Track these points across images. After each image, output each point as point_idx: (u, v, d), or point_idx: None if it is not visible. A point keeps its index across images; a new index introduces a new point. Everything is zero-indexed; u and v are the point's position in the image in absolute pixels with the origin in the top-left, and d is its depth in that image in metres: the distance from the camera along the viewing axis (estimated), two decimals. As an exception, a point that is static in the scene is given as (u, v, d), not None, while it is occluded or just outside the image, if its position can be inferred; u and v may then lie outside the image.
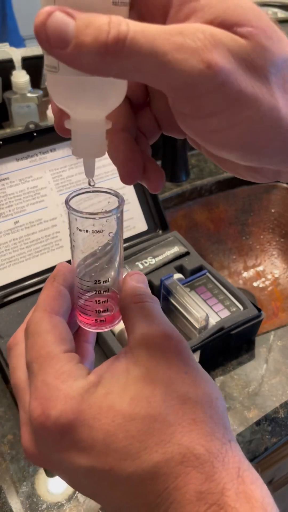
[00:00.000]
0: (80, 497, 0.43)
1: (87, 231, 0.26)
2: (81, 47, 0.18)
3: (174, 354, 0.24)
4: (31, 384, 0.25)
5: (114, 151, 0.27)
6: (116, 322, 0.29)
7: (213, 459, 0.22)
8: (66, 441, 0.23)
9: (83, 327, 0.30)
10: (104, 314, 0.29)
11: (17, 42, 0.96)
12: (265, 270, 0.90)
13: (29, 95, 0.78)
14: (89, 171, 0.26)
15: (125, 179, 0.27)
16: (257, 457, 0.48)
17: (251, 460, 0.48)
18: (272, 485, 0.65)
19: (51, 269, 0.60)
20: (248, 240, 0.92)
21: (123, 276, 0.29)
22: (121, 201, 0.27)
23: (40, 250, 0.60)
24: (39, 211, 0.60)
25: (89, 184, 0.27)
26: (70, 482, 0.25)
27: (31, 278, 0.59)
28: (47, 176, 0.61)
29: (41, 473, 0.45)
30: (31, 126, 0.59)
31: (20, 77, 0.76)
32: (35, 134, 0.59)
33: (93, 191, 0.28)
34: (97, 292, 0.28)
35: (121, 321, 0.29)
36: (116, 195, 0.27)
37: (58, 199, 0.62)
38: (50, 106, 0.66)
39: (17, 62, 0.75)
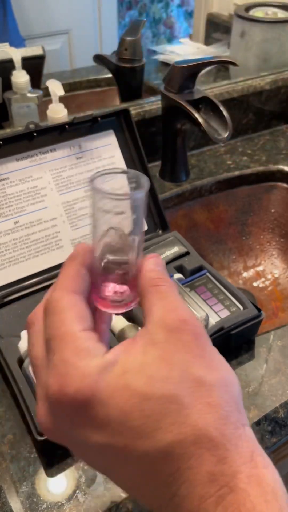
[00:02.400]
0: (80, 497, 0.43)
1: (109, 211, 0.26)
2: None
3: (191, 338, 0.25)
4: (49, 361, 0.25)
5: None
6: (133, 304, 0.29)
7: (226, 442, 0.22)
8: (82, 418, 0.24)
9: (100, 308, 0.29)
10: (122, 296, 0.29)
11: (17, 42, 0.96)
12: (265, 270, 0.90)
13: (29, 95, 0.78)
14: None
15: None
16: (257, 457, 0.48)
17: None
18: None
19: (51, 269, 0.60)
20: (248, 240, 0.92)
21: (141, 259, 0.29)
22: (147, 182, 0.26)
23: (40, 250, 0.60)
24: (39, 211, 0.60)
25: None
26: (83, 457, 0.26)
27: (31, 278, 0.59)
28: (47, 176, 0.61)
29: (41, 473, 0.45)
30: (31, 126, 0.59)
31: (20, 77, 0.76)
32: (35, 134, 0.59)
33: (118, 172, 0.27)
34: (115, 274, 0.28)
35: (137, 304, 0.29)
36: (141, 176, 0.27)
37: (58, 199, 0.62)
38: (50, 106, 0.66)
39: (17, 62, 0.75)
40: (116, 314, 0.30)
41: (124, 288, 0.29)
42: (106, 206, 0.26)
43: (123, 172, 0.27)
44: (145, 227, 0.67)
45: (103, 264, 0.28)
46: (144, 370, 0.23)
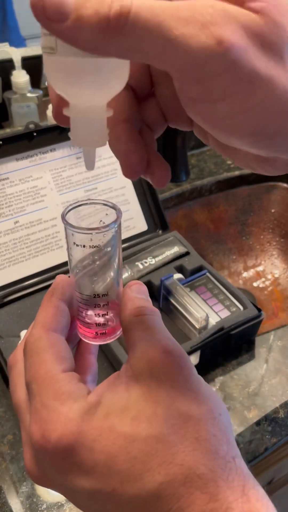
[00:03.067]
0: (80, 497, 0.43)
1: (84, 246, 0.25)
2: (81, 21, 0.17)
3: (175, 370, 0.24)
4: (31, 404, 0.24)
5: (116, 143, 0.25)
6: (118, 333, 0.29)
7: (216, 478, 0.22)
8: (68, 464, 0.23)
9: (85, 340, 0.29)
10: (105, 326, 0.28)
11: (17, 42, 0.96)
12: (265, 270, 0.90)
13: (29, 95, 0.78)
14: (89, 163, 0.25)
15: (128, 173, 0.25)
16: (257, 457, 0.48)
17: (251, 461, 0.48)
18: (272, 485, 0.65)
19: (51, 269, 0.60)
20: (248, 240, 0.92)
21: (123, 287, 0.28)
22: (119, 214, 0.26)
23: (40, 250, 0.60)
24: (39, 211, 0.60)
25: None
26: (74, 502, 0.25)
27: (31, 278, 0.59)
28: (47, 176, 0.61)
29: (41, 473, 0.45)
30: (31, 126, 0.59)
31: (20, 77, 0.76)
32: (35, 134, 0.59)
33: (90, 203, 0.27)
34: (96, 305, 0.28)
35: (121, 333, 0.28)
36: (114, 207, 0.26)
37: (58, 199, 0.62)
38: (50, 106, 0.66)
39: (17, 62, 0.75)
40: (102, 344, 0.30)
41: (107, 318, 0.28)
42: (80, 241, 0.25)
43: (95, 203, 0.27)
44: (145, 225, 0.67)
45: (83, 296, 0.27)
46: (129, 410, 0.23)
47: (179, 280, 0.59)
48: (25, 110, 0.79)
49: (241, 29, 0.17)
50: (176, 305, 0.56)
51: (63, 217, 0.25)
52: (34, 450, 0.24)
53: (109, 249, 0.26)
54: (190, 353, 0.51)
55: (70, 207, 0.26)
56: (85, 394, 0.24)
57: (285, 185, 0.91)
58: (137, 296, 0.27)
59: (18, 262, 0.59)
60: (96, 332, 0.29)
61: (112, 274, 0.27)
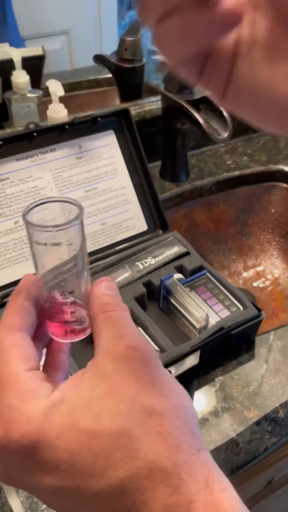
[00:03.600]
0: (80, 497, 0.43)
1: (45, 244, 0.25)
2: None
3: (139, 365, 0.24)
4: None
5: None
6: (88, 331, 0.29)
7: (179, 471, 0.22)
8: (31, 463, 0.23)
9: (55, 338, 0.29)
10: (74, 324, 0.28)
11: (17, 42, 0.96)
12: (265, 270, 0.90)
13: (29, 95, 0.78)
14: None
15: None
16: (257, 457, 0.48)
17: (251, 461, 0.48)
18: (272, 485, 0.65)
19: (51, 269, 0.60)
20: (248, 240, 0.92)
21: (91, 284, 0.28)
22: (79, 210, 0.26)
23: (40, 250, 0.60)
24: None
25: None
26: (41, 499, 0.25)
27: (31, 278, 0.59)
28: (47, 176, 0.61)
29: (41, 473, 0.45)
30: (31, 126, 0.59)
31: (20, 77, 0.76)
32: (35, 134, 0.59)
33: (52, 201, 0.27)
34: (63, 303, 0.28)
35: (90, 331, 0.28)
36: (75, 204, 0.26)
37: (58, 199, 0.62)
38: (50, 106, 0.66)
39: (17, 62, 0.75)
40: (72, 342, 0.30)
41: (75, 315, 0.28)
42: (41, 239, 0.25)
43: (57, 201, 0.27)
44: (145, 225, 0.67)
45: (51, 294, 0.27)
46: (92, 406, 0.23)
47: (179, 280, 0.59)
48: (25, 110, 0.79)
49: None
50: (176, 305, 0.56)
51: (23, 215, 0.25)
52: None
53: (72, 246, 0.26)
54: (190, 353, 0.51)
55: (32, 205, 0.26)
56: (48, 392, 0.24)
57: (285, 185, 0.91)
58: (105, 292, 0.27)
59: (18, 262, 0.59)
60: (65, 330, 0.28)
61: (78, 271, 0.27)
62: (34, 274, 0.28)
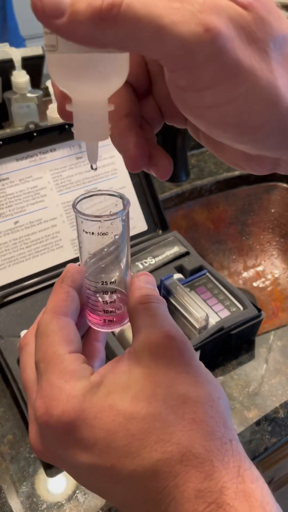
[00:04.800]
0: (80, 497, 0.43)
1: (93, 233, 0.27)
2: (76, 15, 0.18)
3: (176, 354, 0.25)
4: (37, 383, 0.26)
5: (118, 137, 0.26)
6: (125, 322, 0.30)
7: (212, 458, 0.22)
8: (69, 439, 0.24)
9: (93, 327, 0.30)
10: (112, 314, 0.29)
11: (17, 42, 0.96)
12: (265, 270, 0.90)
13: (29, 95, 0.78)
14: (92, 156, 0.26)
15: (130, 166, 0.26)
16: (257, 457, 0.48)
17: (251, 461, 0.48)
18: (272, 485, 0.65)
19: (51, 269, 0.60)
20: (248, 240, 0.92)
21: (131, 276, 0.30)
22: (127, 203, 0.27)
23: (40, 250, 0.60)
24: (39, 211, 0.60)
25: (92, 168, 0.27)
26: (75, 477, 0.26)
27: (31, 278, 0.59)
28: (47, 176, 0.61)
29: (41, 473, 0.45)
30: (31, 126, 0.59)
31: (20, 77, 0.76)
32: (35, 134, 0.59)
33: (100, 194, 0.28)
34: (104, 293, 0.29)
35: (128, 323, 0.29)
36: (122, 197, 0.28)
37: (58, 199, 0.62)
38: (50, 106, 0.66)
39: (17, 62, 0.75)
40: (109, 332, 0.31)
41: (114, 306, 0.29)
42: (90, 228, 0.27)
43: (105, 194, 0.28)
44: (145, 225, 0.67)
45: (92, 283, 0.29)
46: (129, 390, 0.24)
47: (179, 280, 0.59)
48: (25, 110, 0.79)
49: (229, 21, 0.18)
50: (176, 305, 0.56)
51: (74, 205, 0.27)
52: (38, 424, 0.25)
53: (117, 237, 0.27)
54: (190, 353, 0.51)
55: (81, 197, 0.28)
56: (88, 374, 0.25)
57: (285, 185, 0.91)
58: (144, 285, 0.29)
59: (18, 262, 0.59)
60: (104, 320, 0.30)
61: (119, 262, 0.28)
62: (79, 264, 0.30)
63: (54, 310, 0.28)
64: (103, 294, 0.29)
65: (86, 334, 0.32)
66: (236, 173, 0.89)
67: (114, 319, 0.30)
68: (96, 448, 0.23)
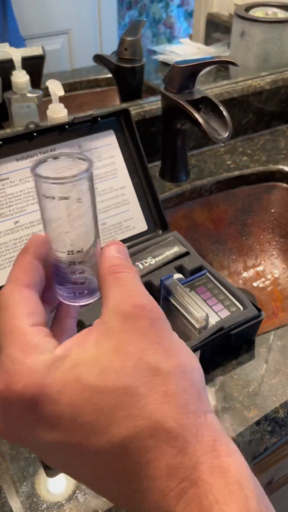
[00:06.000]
0: (80, 497, 0.43)
1: (53, 197, 0.25)
2: None
3: (147, 324, 0.23)
4: None
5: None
6: (97, 295, 0.28)
7: (185, 433, 0.21)
8: (32, 416, 0.23)
9: (63, 301, 0.28)
10: (83, 286, 0.28)
11: (17, 42, 0.96)
12: (265, 270, 0.90)
13: (29, 95, 0.78)
14: None
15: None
16: (257, 457, 0.48)
17: (251, 461, 0.48)
18: (272, 485, 0.65)
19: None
20: (248, 240, 0.92)
21: (101, 247, 0.28)
22: (89, 165, 0.25)
23: (40, 250, 0.60)
24: (39, 211, 0.60)
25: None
26: (42, 457, 0.25)
27: (31, 278, 0.59)
28: (47, 176, 0.61)
29: (41, 473, 0.45)
30: (31, 126, 0.59)
31: (20, 77, 0.76)
32: (35, 134, 0.59)
33: (61, 156, 0.26)
34: (71, 263, 0.27)
35: (99, 295, 0.27)
36: (85, 158, 0.25)
37: (58, 199, 0.62)
38: (50, 106, 0.66)
39: (17, 62, 0.75)
40: (81, 306, 0.29)
41: (85, 278, 0.27)
42: (49, 192, 0.25)
43: (65, 155, 0.26)
44: (145, 225, 0.67)
45: (59, 254, 0.27)
46: (97, 363, 0.22)
47: (179, 280, 0.59)
48: (25, 110, 0.79)
49: None
50: (176, 305, 0.56)
51: (32, 169, 0.25)
52: (0, 403, 0.24)
53: (80, 201, 0.25)
54: (190, 353, 0.51)
55: (41, 160, 0.26)
56: (52, 347, 0.24)
57: (285, 185, 0.91)
58: (115, 255, 0.27)
59: (18, 262, 0.59)
60: (74, 292, 0.28)
61: (86, 228, 0.26)
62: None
63: (16, 281, 0.26)
64: (70, 265, 0.27)
65: (56, 310, 0.30)
66: (236, 173, 0.89)
67: (85, 292, 0.28)
68: (61, 425, 0.22)
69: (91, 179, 0.25)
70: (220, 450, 0.22)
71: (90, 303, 0.29)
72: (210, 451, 0.21)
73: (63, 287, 0.28)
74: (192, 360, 0.24)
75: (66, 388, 0.22)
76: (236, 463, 0.22)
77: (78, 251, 0.26)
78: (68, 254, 0.26)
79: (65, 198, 0.25)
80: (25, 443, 0.25)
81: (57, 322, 0.30)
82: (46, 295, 0.28)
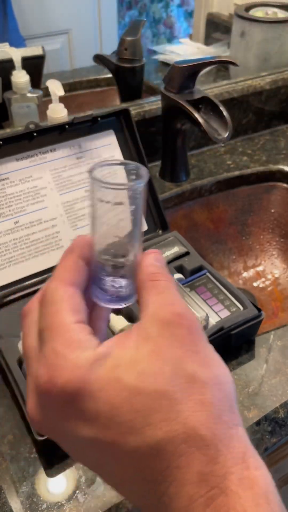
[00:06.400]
0: (80, 497, 0.43)
1: (108, 201, 0.26)
2: None
3: (186, 333, 0.24)
4: (40, 351, 0.25)
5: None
6: (133, 299, 0.29)
7: (217, 442, 0.22)
8: (71, 410, 0.23)
9: (99, 303, 0.29)
10: (120, 289, 0.28)
11: (17, 42, 0.96)
12: (265, 270, 0.90)
13: (29, 95, 0.78)
14: None
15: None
16: (257, 457, 0.48)
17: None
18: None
19: (51, 269, 0.60)
20: (248, 240, 0.92)
21: (141, 253, 0.29)
22: (146, 174, 0.26)
23: (40, 250, 0.60)
24: (39, 211, 0.60)
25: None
26: (72, 452, 0.25)
27: (31, 278, 0.59)
28: (47, 176, 0.61)
29: (41, 473, 0.45)
30: (31, 126, 0.59)
31: (20, 77, 0.76)
32: (35, 134, 0.59)
33: (119, 164, 0.27)
34: (113, 267, 0.28)
35: (135, 300, 0.28)
36: (139, 167, 0.26)
37: (58, 199, 0.62)
38: (50, 106, 0.66)
39: (17, 62, 0.75)
40: (114, 309, 0.30)
41: (123, 282, 0.28)
42: (105, 197, 0.26)
43: (123, 163, 0.27)
44: (145, 225, 0.67)
45: (102, 257, 0.27)
46: (136, 365, 0.23)
47: (179, 280, 0.59)
48: (25, 110, 0.79)
49: None
50: (176, 305, 0.56)
51: (90, 172, 0.26)
52: (39, 394, 0.24)
53: (133, 208, 0.26)
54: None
55: (98, 165, 0.26)
56: (94, 345, 0.24)
57: (285, 185, 0.91)
58: (154, 263, 0.28)
59: (18, 262, 0.59)
60: (111, 295, 0.29)
61: (132, 236, 0.27)
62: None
63: (61, 279, 0.27)
64: (112, 268, 0.28)
65: (89, 312, 0.30)
66: (236, 173, 0.89)
67: (122, 296, 0.29)
68: (98, 422, 0.22)
69: (145, 188, 0.26)
70: (249, 463, 0.22)
71: (122, 308, 0.29)
72: (240, 463, 0.22)
73: (100, 289, 0.29)
74: (226, 374, 0.25)
75: (107, 387, 0.23)
76: (263, 477, 0.22)
77: (123, 256, 0.28)
78: (112, 257, 0.27)
79: (120, 203, 0.26)
80: (60, 437, 0.25)
81: (89, 324, 0.30)
82: (84, 296, 0.29)
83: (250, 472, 0.22)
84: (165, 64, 1.12)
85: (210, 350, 0.25)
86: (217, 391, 0.23)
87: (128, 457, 0.22)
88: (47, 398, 0.24)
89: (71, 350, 0.24)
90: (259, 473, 0.22)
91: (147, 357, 0.23)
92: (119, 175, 0.27)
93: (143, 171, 0.26)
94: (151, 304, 0.25)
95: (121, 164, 0.27)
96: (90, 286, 0.29)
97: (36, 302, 0.28)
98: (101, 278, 0.28)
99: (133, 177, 0.26)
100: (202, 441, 0.22)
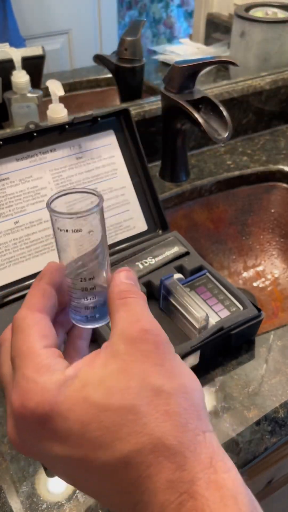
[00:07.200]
0: (80, 497, 0.43)
1: (67, 230, 0.27)
2: None
3: (151, 347, 0.25)
4: (14, 378, 0.26)
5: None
6: (107, 318, 0.30)
7: (184, 450, 0.23)
8: (44, 431, 0.24)
9: (75, 323, 0.31)
10: (94, 310, 0.30)
11: (17, 42, 0.96)
12: (265, 270, 0.90)
13: (29, 95, 0.78)
14: None
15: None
16: (257, 457, 0.48)
17: (251, 460, 0.48)
18: (272, 485, 0.65)
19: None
20: (248, 240, 0.92)
21: (111, 272, 0.30)
22: (99, 200, 0.28)
23: (40, 250, 0.60)
24: (39, 211, 0.60)
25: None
26: (53, 469, 0.27)
27: (31, 278, 0.59)
28: (47, 176, 0.61)
29: (41, 473, 0.45)
30: (31, 126, 0.59)
31: (20, 77, 0.76)
32: (35, 134, 0.59)
33: (74, 192, 0.29)
34: (84, 289, 0.29)
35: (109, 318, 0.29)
36: (96, 194, 0.28)
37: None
38: (50, 106, 0.66)
39: (17, 62, 0.75)
40: (92, 328, 0.32)
41: (95, 303, 0.30)
42: (64, 226, 0.27)
43: (78, 191, 0.29)
44: (145, 225, 0.67)
45: (72, 281, 0.29)
46: (104, 383, 0.24)
47: (179, 280, 0.59)
48: (25, 110, 0.79)
49: None
50: (176, 305, 0.56)
51: (47, 204, 0.28)
52: (14, 418, 0.26)
53: (92, 234, 0.28)
54: (190, 353, 0.51)
55: (56, 195, 0.28)
56: (63, 367, 0.26)
57: (285, 185, 0.91)
58: (124, 281, 0.29)
59: (18, 262, 0.59)
60: (86, 316, 0.30)
61: (97, 258, 0.29)
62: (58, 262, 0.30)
63: (30, 306, 0.28)
64: (83, 290, 0.29)
65: (69, 332, 0.32)
66: (236, 173, 0.89)
67: (96, 316, 0.30)
68: (70, 440, 0.24)
69: (101, 213, 0.28)
70: (217, 467, 0.23)
71: (100, 326, 0.31)
72: (207, 467, 0.23)
73: (76, 311, 0.30)
74: (194, 381, 0.26)
75: (75, 406, 0.24)
76: (232, 479, 0.23)
77: (90, 278, 0.29)
78: (81, 281, 0.29)
79: (78, 230, 0.27)
80: (38, 456, 0.27)
81: (70, 343, 0.32)
82: (60, 318, 0.31)
83: (218, 475, 0.23)
84: (165, 64, 1.12)
85: (176, 361, 0.26)
86: (183, 400, 0.24)
87: (100, 471, 0.24)
88: (21, 422, 0.25)
89: (40, 374, 0.25)
90: (227, 475, 0.23)
91: (115, 374, 0.24)
92: (84, 202, 0.29)
93: (97, 198, 0.28)
94: (119, 322, 0.27)
95: (76, 192, 0.29)
96: (67, 308, 0.31)
97: (9, 331, 0.29)
98: (75, 301, 0.30)
99: (90, 203, 0.28)
100: (168, 450, 0.23)
